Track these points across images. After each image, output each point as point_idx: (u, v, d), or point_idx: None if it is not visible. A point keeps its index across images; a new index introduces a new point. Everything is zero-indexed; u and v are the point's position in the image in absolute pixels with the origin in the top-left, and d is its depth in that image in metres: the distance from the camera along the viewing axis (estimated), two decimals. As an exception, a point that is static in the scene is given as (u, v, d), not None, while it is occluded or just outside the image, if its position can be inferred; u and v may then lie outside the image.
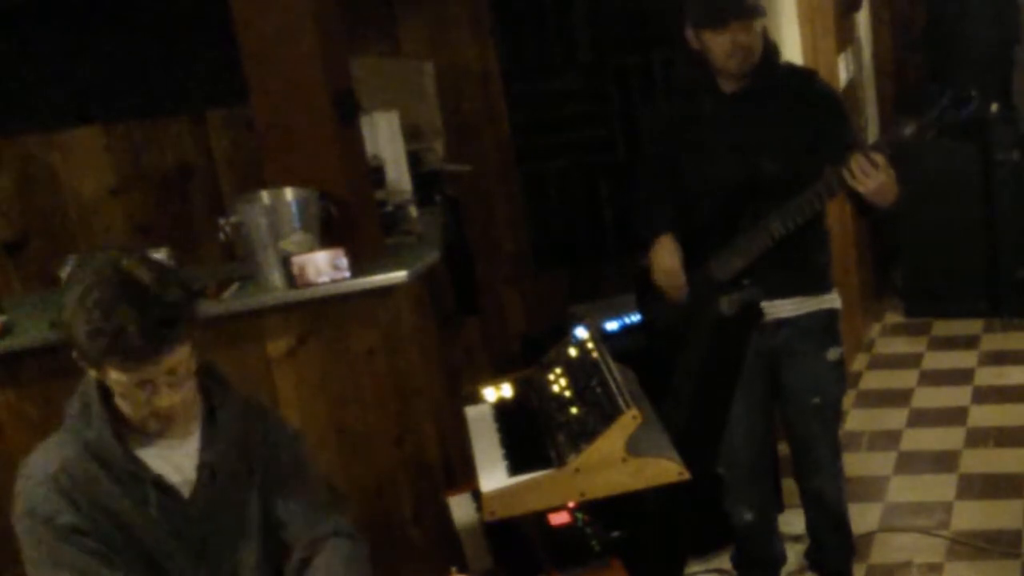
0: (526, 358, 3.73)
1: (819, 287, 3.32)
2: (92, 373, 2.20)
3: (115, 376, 2.15)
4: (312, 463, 2.53)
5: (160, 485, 2.25)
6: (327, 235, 3.23)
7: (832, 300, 3.35)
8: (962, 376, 5.06)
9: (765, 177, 3.16)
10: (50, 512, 2.18)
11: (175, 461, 2.29)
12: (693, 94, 3.27)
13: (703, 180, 3.26)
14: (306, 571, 2.38)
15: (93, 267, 2.16)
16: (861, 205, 3.14)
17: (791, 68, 3.37)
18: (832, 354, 3.33)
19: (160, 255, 3.18)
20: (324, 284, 3.18)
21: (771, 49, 3.21)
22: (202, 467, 2.30)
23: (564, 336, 3.06)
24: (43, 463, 2.22)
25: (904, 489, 4.25)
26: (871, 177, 2.94)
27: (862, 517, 3.99)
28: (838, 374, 3.40)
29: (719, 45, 3.09)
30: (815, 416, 3.36)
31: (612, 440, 2.51)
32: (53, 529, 2.18)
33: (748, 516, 3.53)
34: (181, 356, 2.16)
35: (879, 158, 2.94)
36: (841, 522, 3.55)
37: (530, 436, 2.73)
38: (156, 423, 2.24)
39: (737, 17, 3.06)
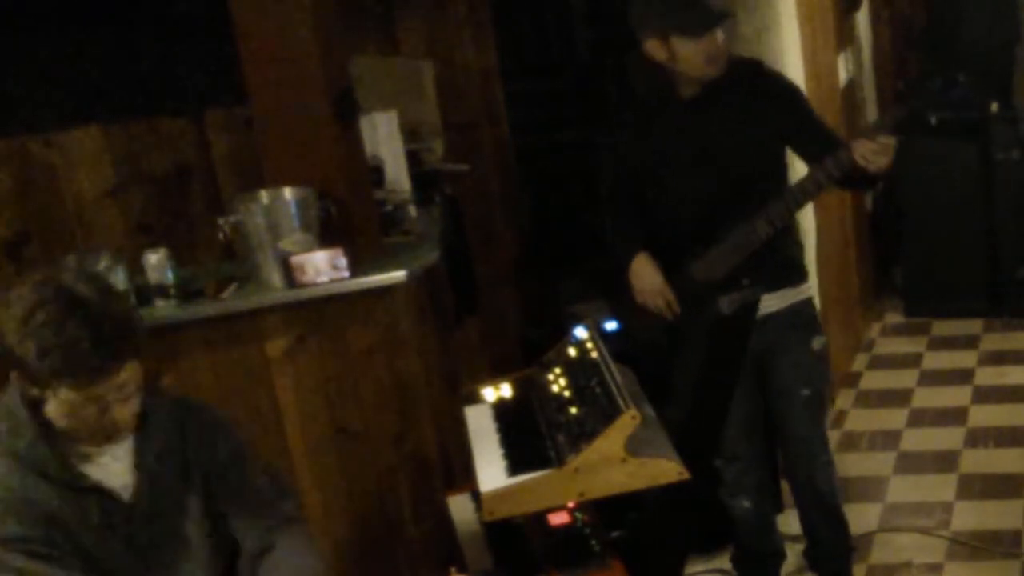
0: (526, 358, 3.72)
1: (798, 277, 3.36)
2: (34, 392, 2.14)
3: (66, 395, 2.11)
4: (251, 451, 2.49)
5: (100, 491, 2.23)
6: (326, 235, 3.22)
7: (809, 288, 3.40)
8: (962, 376, 5.06)
9: (735, 179, 3.17)
10: None
11: (111, 467, 2.26)
12: (652, 107, 3.26)
13: (675, 190, 3.27)
14: (264, 561, 2.36)
15: (30, 288, 2.10)
16: (852, 181, 3.17)
17: (739, 60, 3.30)
18: (816, 343, 3.36)
19: (159, 255, 3.19)
20: (323, 284, 3.17)
21: None
22: (139, 468, 2.27)
23: (564, 336, 3.07)
24: None
25: (904, 489, 4.25)
26: (883, 156, 2.95)
27: (862, 517, 3.99)
28: (824, 363, 3.45)
29: (698, 52, 3.07)
30: (806, 408, 3.39)
31: (611, 440, 2.51)
32: None
33: (746, 503, 3.54)
34: (132, 370, 2.14)
35: (887, 140, 2.94)
36: (836, 516, 3.54)
37: (529, 436, 2.73)
38: (103, 437, 2.20)
39: (719, 23, 3.06)
